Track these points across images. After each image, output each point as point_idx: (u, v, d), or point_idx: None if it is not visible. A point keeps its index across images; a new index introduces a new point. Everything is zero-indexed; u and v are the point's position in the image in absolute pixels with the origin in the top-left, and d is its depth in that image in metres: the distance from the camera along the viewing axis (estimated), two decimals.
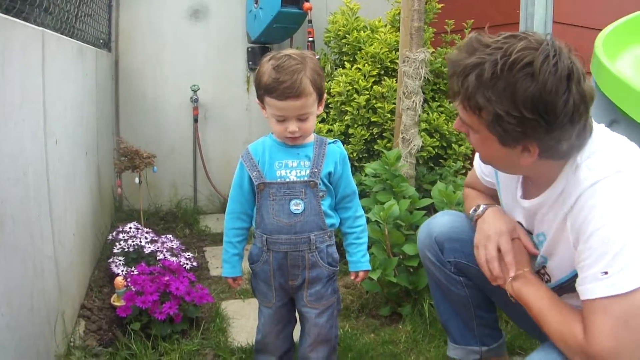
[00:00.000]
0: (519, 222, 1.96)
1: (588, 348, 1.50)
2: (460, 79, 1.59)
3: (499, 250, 1.88)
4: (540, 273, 1.91)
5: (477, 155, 2.10)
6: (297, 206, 2.15)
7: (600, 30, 3.23)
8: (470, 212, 2.10)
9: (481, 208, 2.05)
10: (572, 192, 1.63)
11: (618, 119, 2.92)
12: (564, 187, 1.67)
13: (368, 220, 3.00)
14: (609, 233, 1.50)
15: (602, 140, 1.66)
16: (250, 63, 5.22)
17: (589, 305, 1.52)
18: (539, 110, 1.50)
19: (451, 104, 3.80)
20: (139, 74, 5.02)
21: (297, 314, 2.34)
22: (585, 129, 1.60)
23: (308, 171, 2.15)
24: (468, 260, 2.17)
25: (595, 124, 1.70)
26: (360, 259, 2.27)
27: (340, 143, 2.27)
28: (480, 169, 2.17)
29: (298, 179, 2.15)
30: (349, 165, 2.28)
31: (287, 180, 2.15)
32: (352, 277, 2.31)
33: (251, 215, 2.25)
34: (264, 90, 2.05)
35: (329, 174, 2.19)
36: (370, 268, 2.31)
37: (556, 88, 1.49)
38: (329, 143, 2.22)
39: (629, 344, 1.47)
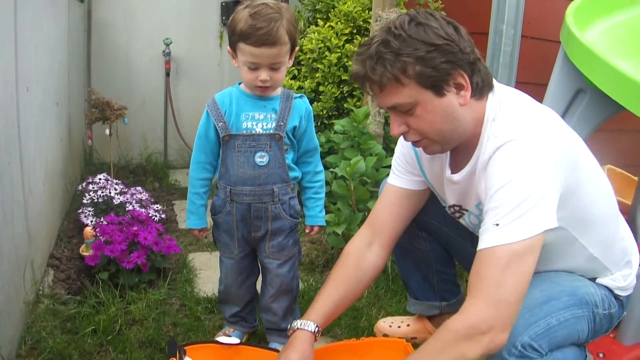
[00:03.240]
0: (453, 205, 2.04)
1: (485, 303, 1.60)
2: (374, 66, 1.70)
3: None
4: None
5: (394, 160, 2.16)
6: (261, 158, 2.18)
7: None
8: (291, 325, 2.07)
9: (296, 325, 2.01)
10: (482, 158, 1.76)
11: (584, 88, 2.98)
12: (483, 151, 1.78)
13: (335, 176, 3.05)
14: (503, 195, 1.63)
15: (505, 103, 1.79)
16: (223, 18, 5.17)
17: (482, 255, 1.64)
18: (443, 37, 1.68)
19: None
20: (112, 26, 4.96)
21: (259, 265, 2.39)
22: (480, 55, 1.77)
23: (274, 124, 2.18)
24: (428, 216, 2.24)
25: (498, 85, 1.85)
26: (317, 214, 2.34)
27: (305, 98, 2.30)
28: (399, 168, 2.15)
29: (264, 132, 2.18)
30: (313, 121, 2.32)
31: (253, 132, 2.17)
32: (307, 231, 2.38)
33: (215, 166, 2.27)
34: (238, 37, 2.04)
35: (294, 128, 2.22)
36: (325, 224, 2.39)
37: (440, 23, 1.70)
38: (295, 97, 2.25)
39: (506, 284, 1.59)
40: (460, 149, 1.86)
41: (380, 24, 3.42)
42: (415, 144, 1.86)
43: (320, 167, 2.35)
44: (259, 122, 2.18)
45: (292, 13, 2.12)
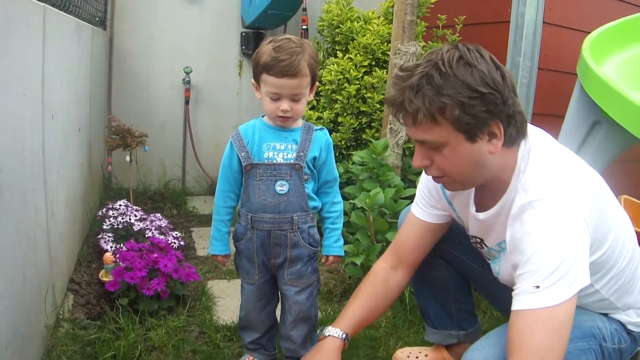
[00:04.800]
0: (474, 236, 2.06)
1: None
2: (413, 98, 1.68)
3: None
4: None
5: (418, 192, 2.19)
6: (282, 187, 2.23)
7: (589, 33, 3.31)
8: (318, 331, 2.22)
9: (327, 332, 2.13)
10: (513, 209, 1.76)
11: (601, 120, 3.00)
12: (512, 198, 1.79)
13: (354, 207, 3.08)
14: (541, 258, 1.64)
15: (536, 155, 1.78)
16: (243, 48, 5.26)
17: (519, 315, 1.65)
18: (490, 85, 1.64)
19: None
20: (133, 53, 5.04)
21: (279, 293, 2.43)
22: (522, 114, 1.76)
23: (294, 154, 2.24)
24: (444, 244, 2.26)
25: (532, 128, 1.85)
26: (332, 244, 2.36)
27: (326, 130, 2.36)
28: (422, 201, 2.19)
29: (284, 161, 2.23)
30: (333, 153, 2.37)
31: (274, 162, 2.23)
32: (323, 260, 2.41)
33: (238, 195, 2.33)
34: (261, 68, 2.12)
35: (314, 158, 2.27)
36: (341, 254, 2.40)
37: (488, 67, 1.66)
38: (316, 129, 2.30)
39: (554, 347, 1.61)
40: (488, 189, 1.88)
41: (399, 57, 3.47)
42: (435, 179, 1.87)
43: (339, 198, 2.39)
44: (280, 152, 2.24)
45: (313, 49, 2.20)
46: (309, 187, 2.29)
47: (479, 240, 2.05)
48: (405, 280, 2.23)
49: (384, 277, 2.21)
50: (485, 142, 1.71)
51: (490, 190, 1.87)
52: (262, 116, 2.31)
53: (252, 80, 2.23)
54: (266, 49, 2.12)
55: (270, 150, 2.24)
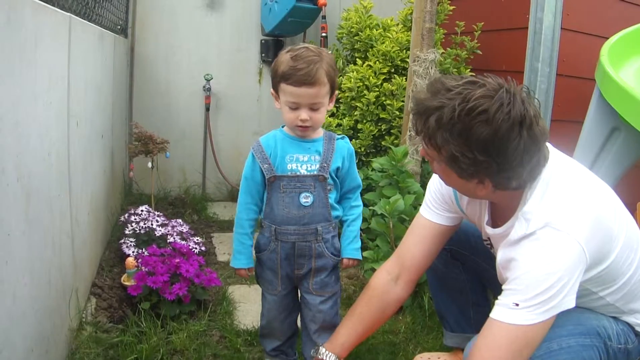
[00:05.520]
0: (487, 240, 2.11)
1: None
2: (422, 119, 1.73)
3: None
4: None
5: (428, 193, 2.21)
6: (306, 199, 2.23)
7: (607, 38, 3.31)
8: (312, 351, 2.24)
9: (320, 355, 2.17)
10: (512, 235, 1.80)
11: (619, 126, 3.00)
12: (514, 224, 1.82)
13: (374, 213, 3.10)
14: (529, 280, 1.69)
15: (544, 184, 1.79)
16: (263, 55, 5.30)
17: (493, 323, 1.74)
18: (491, 154, 1.63)
19: None
20: (154, 61, 5.10)
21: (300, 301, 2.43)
22: (538, 165, 1.74)
23: (318, 165, 2.23)
24: (462, 248, 2.29)
25: (552, 151, 1.85)
26: (346, 246, 2.34)
27: (347, 139, 2.36)
28: (434, 203, 2.20)
29: (308, 173, 2.23)
30: (355, 161, 2.37)
31: (298, 173, 2.23)
32: (342, 264, 2.37)
33: (260, 207, 2.33)
34: (280, 78, 2.12)
35: (337, 168, 2.28)
36: (355, 256, 2.34)
37: (508, 134, 1.61)
38: (337, 138, 2.30)
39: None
40: (499, 207, 1.93)
41: (418, 64, 3.49)
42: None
43: (358, 202, 2.38)
44: (303, 163, 2.24)
45: (332, 57, 2.19)
46: (332, 197, 2.29)
47: (490, 245, 2.08)
48: (406, 292, 2.22)
49: (383, 291, 2.21)
50: (474, 184, 1.77)
51: (501, 208, 1.92)
52: (283, 126, 2.30)
53: (271, 90, 2.23)
54: (284, 58, 2.13)
55: (293, 162, 2.24)
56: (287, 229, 2.25)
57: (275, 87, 2.19)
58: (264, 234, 2.32)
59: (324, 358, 2.14)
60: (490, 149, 1.62)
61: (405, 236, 2.27)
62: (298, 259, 2.29)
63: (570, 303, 1.69)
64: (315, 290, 2.32)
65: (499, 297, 1.75)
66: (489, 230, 1.98)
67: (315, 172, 2.23)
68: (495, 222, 1.98)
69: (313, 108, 2.15)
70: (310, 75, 2.08)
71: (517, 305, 1.68)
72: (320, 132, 2.29)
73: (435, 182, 2.18)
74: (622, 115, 2.88)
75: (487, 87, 1.66)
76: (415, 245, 2.21)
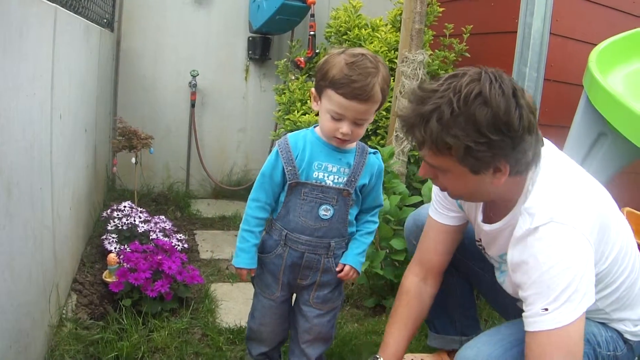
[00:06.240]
0: (479, 241, 2.10)
1: None
2: (421, 128, 1.68)
3: None
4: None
5: (434, 195, 2.20)
6: (326, 212, 2.10)
7: (596, 45, 3.32)
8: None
9: None
10: (517, 231, 1.77)
11: (606, 132, 3.01)
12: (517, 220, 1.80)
13: None
14: (547, 280, 1.66)
15: (542, 176, 1.79)
16: (250, 52, 5.28)
17: (533, 336, 1.70)
18: (502, 130, 1.61)
19: None
20: (140, 56, 5.06)
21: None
22: (539, 137, 1.74)
23: (345, 179, 2.09)
24: (456, 251, 2.27)
25: (549, 145, 1.85)
26: (353, 255, 2.20)
27: (379, 154, 2.21)
28: (439, 204, 2.20)
29: (334, 185, 2.09)
30: (382, 180, 2.24)
31: (323, 184, 2.08)
32: (338, 268, 2.22)
33: (273, 207, 2.17)
34: (329, 83, 1.93)
35: (364, 185, 2.14)
36: (359, 269, 2.22)
37: (508, 107, 1.61)
38: (370, 153, 2.15)
39: None
40: (496, 204, 1.91)
41: (407, 65, 3.48)
42: (440, 188, 1.91)
43: (376, 219, 2.26)
44: (331, 174, 2.09)
45: (387, 70, 2.00)
46: (353, 213, 2.18)
47: (482, 247, 2.07)
48: (436, 288, 2.25)
49: (417, 292, 2.22)
50: (490, 175, 1.73)
51: (498, 205, 1.91)
52: (315, 126, 2.14)
53: (313, 90, 2.05)
54: (337, 60, 1.93)
55: (321, 170, 2.08)
56: (300, 237, 2.12)
57: (320, 90, 1.99)
58: (272, 236, 2.19)
59: None
60: (500, 125, 1.61)
61: (422, 238, 2.27)
62: (304, 270, 2.17)
63: (592, 297, 1.67)
64: (315, 304, 2.23)
65: (525, 309, 1.72)
66: (485, 227, 1.97)
67: (341, 186, 2.09)
68: (490, 219, 1.96)
69: (357, 123, 1.98)
70: (366, 90, 1.89)
71: (546, 310, 1.65)
72: (353, 143, 2.13)
73: None
74: (609, 121, 2.89)
75: (469, 75, 1.67)
76: (430, 249, 2.23)
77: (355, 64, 1.90)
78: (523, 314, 1.72)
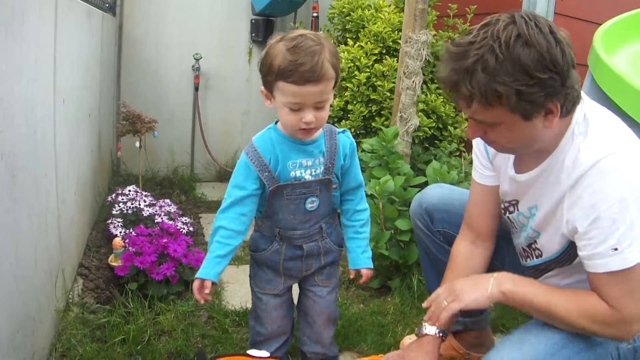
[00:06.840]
0: (510, 201, 2.05)
1: (621, 313, 1.66)
2: (467, 82, 1.62)
3: None
4: (532, 248, 2.00)
5: (475, 158, 2.15)
6: (312, 204, 2.05)
7: (601, 24, 3.29)
8: (417, 330, 2.10)
9: (425, 330, 2.05)
10: (572, 172, 1.72)
11: (611, 112, 2.98)
12: (563, 163, 1.76)
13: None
14: (614, 214, 1.62)
15: (595, 119, 1.75)
16: (253, 35, 5.25)
17: (603, 278, 1.67)
18: (549, 67, 1.58)
19: None
20: (142, 40, 5.05)
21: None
22: (575, 71, 1.70)
23: (322, 168, 2.02)
24: (455, 231, 2.26)
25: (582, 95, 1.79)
26: (359, 255, 2.16)
27: (349, 133, 2.12)
28: (478, 165, 2.15)
29: (313, 178, 2.02)
30: (357, 157, 2.16)
31: (303, 180, 2.01)
32: (352, 276, 2.17)
33: (252, 217, 2.05)
34: (276, 75, 1.80)
35: (341, 167, 2.08)
36: (370, 266, 2.17)
37: (549, 43, 1.58)
38: (339, 132, 2.08)
39: None
40: (529, 154, 1.86)
41: (410, 45, 3.46)
42: (488, 143, 1.85)
43: (364, 205, 2.18)
44: (307, 168, 2.00)
45: (332, 44, 1.88)
46: (337, 195, 2.14)
47: (514, 203, 2.03)
48: (488, 249, 2.17)
49: (467, 257, 2.15)
50: (542, 119, 1.68)
51: (530, 157, 1.86)
52: (276, 122, 2.03)
53: (261, 87, 1.92)
54: (278, 49, 1.81)
55: (297, 168, 1.99)
56: (293, 233, 2.07)
57: (269, 86, 1.87)
58: (263, 233, 2.12)
59: (429, 333, 2.01)
60: (546, 63, 1.57)
61: (468, 202, 2.22)
62: (307, 259, 2.13)
63: None
64: (322, 281, 2.19)
65: (584, 248, 1.70)
66: (522, 178, 1.91)
67: (321, 177, 2.02)
68: (522, 170, 1.92)
69: (318, 107, 1.85)
70: (316, 70, 1.77)
71: (616, 250, 1.63)
72: (320, 129, 2.02)
73: (474, 143, 2.12)
74: (615, 100, 2.87)
75: (502, 20, 1.62)
76: (475, 210, 2.17)
77: (297, 47, 1.78)
78: (585, 253, 1.70)
